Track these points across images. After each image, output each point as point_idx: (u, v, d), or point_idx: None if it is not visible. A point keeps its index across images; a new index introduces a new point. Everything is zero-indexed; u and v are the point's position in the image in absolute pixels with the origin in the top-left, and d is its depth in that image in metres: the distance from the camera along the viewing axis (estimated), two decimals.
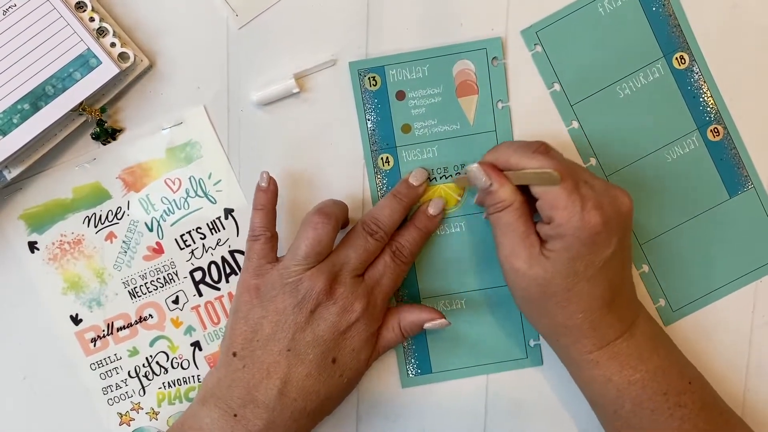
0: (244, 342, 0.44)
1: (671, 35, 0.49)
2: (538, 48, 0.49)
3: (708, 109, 0.50)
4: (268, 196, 0.46)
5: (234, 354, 0.45)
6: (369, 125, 0.50)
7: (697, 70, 0.50)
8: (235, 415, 0.43)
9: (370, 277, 0.46)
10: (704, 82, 0.50)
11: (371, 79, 0.49)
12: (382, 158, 0.50)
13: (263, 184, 0.46)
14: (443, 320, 0.47)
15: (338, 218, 0.45)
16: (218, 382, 0.45)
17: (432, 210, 0.48)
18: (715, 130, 0.50)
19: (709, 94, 0.50)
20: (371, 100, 0.50)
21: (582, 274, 0.42)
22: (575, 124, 0.50)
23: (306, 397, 0.44)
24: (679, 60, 0.49)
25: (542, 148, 0.44)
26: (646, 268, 0.51)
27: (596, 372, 0.44)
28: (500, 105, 0.49)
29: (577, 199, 0.41)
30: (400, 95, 0.49)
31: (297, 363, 0.44)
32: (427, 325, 0.47)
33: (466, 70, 0.49)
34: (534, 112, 0.50)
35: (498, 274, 0.46)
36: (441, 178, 0.50)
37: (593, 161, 0.50)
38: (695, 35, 0.49)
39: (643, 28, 0.49)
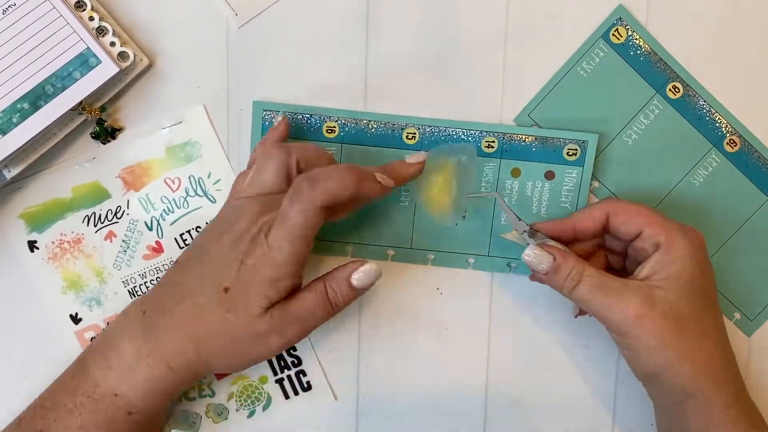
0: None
1: (657, 70, 0.49)
2: (536, 127, 0.49)
3: (717, 125, 0.50)
4: (275, 134, 0.46)
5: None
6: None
7: (693, 93, 0.50)
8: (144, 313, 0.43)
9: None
10: (704, 101, 0.50)
11: None
12: None
13: (275, 123, 0.47)
14: (370, 266, 0.42)
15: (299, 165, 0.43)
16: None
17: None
18: (732, 142, 0.50)
19: (713, 111, 0.50)
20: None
21: (703, 301, 0.42)
22: (596, 184, 0.50)
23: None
24: (673, 90, 0.49)
25: None
26: None
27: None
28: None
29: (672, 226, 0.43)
30: None
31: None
32: (354, 277, 0.42)
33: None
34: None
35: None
36: None
37: None
38: (680, 62, 0.49)
39: (628, 74, 0.49)
